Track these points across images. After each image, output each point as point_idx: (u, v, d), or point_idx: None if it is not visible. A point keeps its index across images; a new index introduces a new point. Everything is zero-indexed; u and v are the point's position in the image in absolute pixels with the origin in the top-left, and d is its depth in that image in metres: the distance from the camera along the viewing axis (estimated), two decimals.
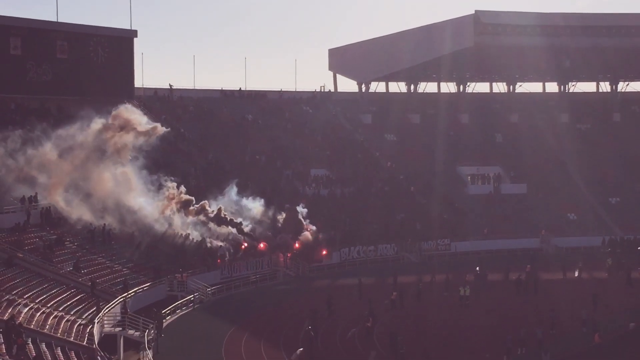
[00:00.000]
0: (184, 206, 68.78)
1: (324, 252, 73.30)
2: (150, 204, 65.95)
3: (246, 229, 71.05)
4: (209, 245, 66.69)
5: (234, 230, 69.89)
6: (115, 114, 66.03)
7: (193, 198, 69.71)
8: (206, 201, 70.56)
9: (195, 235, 67.08)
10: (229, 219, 70.75)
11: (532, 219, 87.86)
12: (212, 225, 69.09)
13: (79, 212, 61.98)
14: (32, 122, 67.14)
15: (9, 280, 49.02)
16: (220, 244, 67.42)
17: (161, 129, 67.80)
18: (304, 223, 74.26)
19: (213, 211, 70.12)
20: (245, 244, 69.38)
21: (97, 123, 64.73)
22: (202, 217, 69.14)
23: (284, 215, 74.59)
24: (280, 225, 73.71)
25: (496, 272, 67.09)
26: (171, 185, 68.97)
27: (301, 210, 75.24)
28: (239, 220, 71.47)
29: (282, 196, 79.14)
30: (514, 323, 50.87)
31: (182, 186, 69.74)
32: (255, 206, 73.55)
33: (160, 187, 68.34)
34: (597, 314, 52.43)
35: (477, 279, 64.63)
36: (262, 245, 70.38)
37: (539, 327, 47.84)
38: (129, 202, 64.11)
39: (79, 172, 62.92)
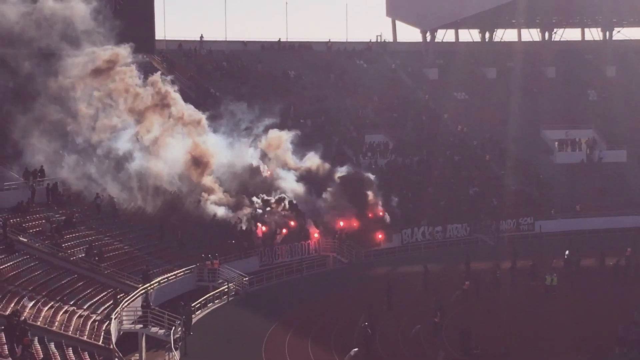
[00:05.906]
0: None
1: (380, 237, 73.04)
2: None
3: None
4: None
5: None
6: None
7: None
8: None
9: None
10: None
11: (633, 192, 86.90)
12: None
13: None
14: None
15: (11, 270, 49.56)
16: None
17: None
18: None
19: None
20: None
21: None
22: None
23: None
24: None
25: (590, 257, 66.55)
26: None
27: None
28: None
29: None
30: (611, 318, 50.37)
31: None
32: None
33: None
34: None
35: (567, 265, 64.16)
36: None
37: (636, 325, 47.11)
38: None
39: None
